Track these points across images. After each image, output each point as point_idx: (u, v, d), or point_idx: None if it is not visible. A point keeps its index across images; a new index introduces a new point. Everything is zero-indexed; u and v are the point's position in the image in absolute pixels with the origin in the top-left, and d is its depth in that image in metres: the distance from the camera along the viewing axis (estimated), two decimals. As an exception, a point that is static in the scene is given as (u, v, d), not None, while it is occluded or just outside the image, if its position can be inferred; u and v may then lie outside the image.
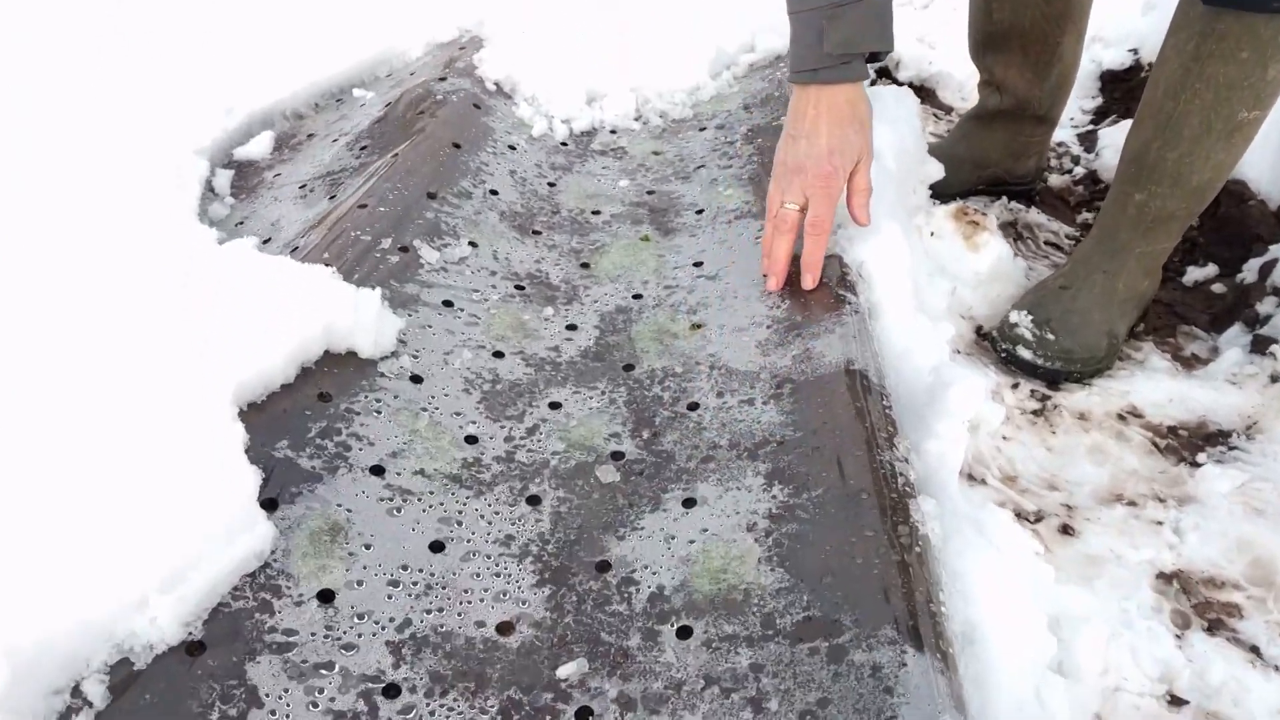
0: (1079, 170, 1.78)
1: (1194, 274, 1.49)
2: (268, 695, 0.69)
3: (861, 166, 1.08)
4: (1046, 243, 1.60)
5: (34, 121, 1.27)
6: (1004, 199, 1.67)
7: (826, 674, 0.70)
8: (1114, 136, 1.77)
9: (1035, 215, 1.65)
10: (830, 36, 1.02)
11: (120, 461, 0.73)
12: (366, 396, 0.94)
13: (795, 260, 1.11)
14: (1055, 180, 1.76)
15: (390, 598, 0.78)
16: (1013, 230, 1.61)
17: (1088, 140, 1.87)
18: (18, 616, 0.63)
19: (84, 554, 0.68)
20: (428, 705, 0.71)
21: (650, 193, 1.40)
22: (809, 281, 1.09)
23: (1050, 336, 1.26)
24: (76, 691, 0.65)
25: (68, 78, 1.39)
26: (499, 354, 1.07)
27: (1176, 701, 0.86)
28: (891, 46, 1.06)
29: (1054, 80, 1.49)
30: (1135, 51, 1.97)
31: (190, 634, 0.70)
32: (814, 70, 1.05)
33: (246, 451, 0.81)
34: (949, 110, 2.04)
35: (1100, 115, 1.97)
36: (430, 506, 0.87)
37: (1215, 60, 1.09)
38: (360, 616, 0.76)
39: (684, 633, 0.76)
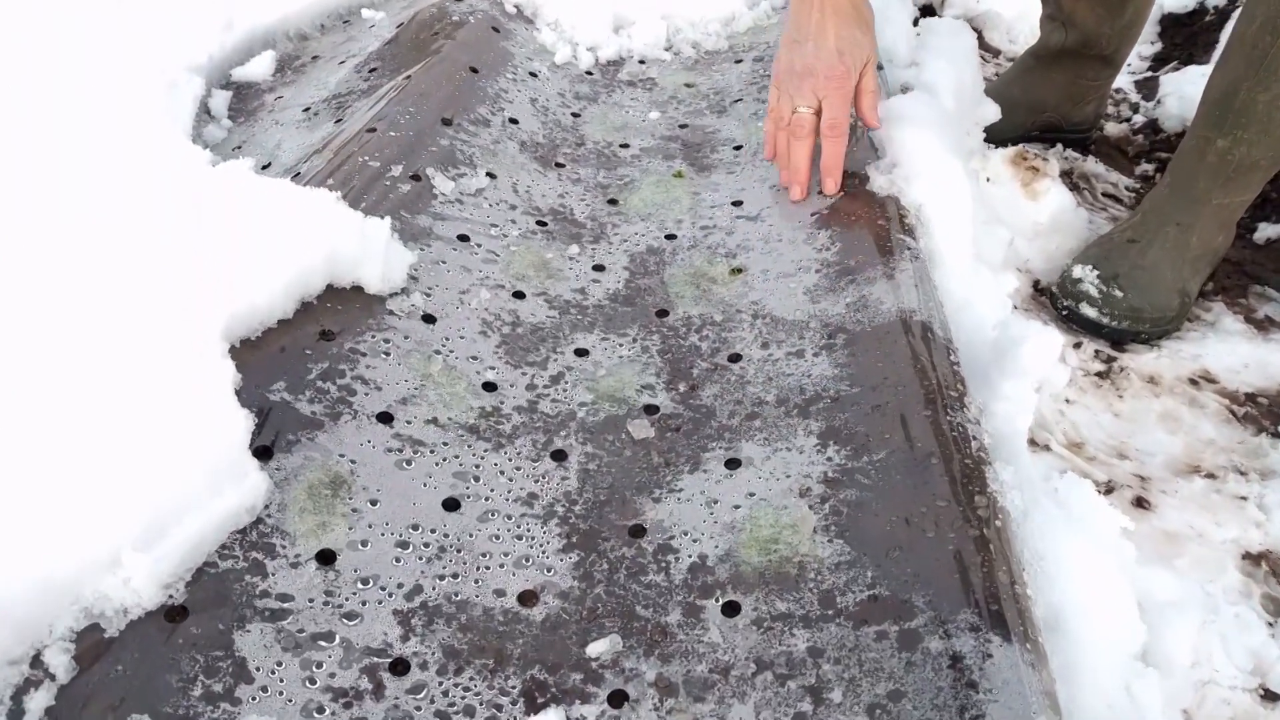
0: (1138, 119, 1.66)
1: (1266, 231, 1.38)
2: (258, 669, 0.60)
3: (869, 68, 1.03)
4: (1104, 194, 1.49)
5: (15, 30, 1.16)
6: (1059, 146, 1.55)
7: (898, 662, 0.61)
8: (1177, 83, 1.65)
9: (1092, 165, 1.54)
10: None
11: (91, 399, 0.64)
12: (374, 336, 0.84)
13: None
14: (1113, 129, 1.64)
15: (398, 561, 0.69)
16: (1068, 180, 1.50)
17: (1146, 87, 1.75)
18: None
19: (46, 502, 0.58)
20: (440, 684, 0.62)
21: (683, 126, 1.29)
22: (830, 186, 1.05)
23: (1117, 293, 1.16)
24: (36, 662, 0.56)
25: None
26: (519, 294, 0.97)
27: (1271, 696, 0.78)
28: None
29: (1127, 17, 1.37)
30: (1200, -7, 1.84)
31: (170, 597, 0.61)
32: None
33: (238, 393, 0.71)
34: (996, 52, 1.91)
35: (1160, 61, 1.84)
36: (444, 459, 0.77)
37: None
38: (364, 581, 0.67)
39: (731, 609, 0.67)
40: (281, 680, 0.60)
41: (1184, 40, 1.82)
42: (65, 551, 0.58)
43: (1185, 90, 1.61)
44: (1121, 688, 0.67)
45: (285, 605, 0.64)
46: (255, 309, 0.78)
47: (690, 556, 0.72)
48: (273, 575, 0.65)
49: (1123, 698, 0.67)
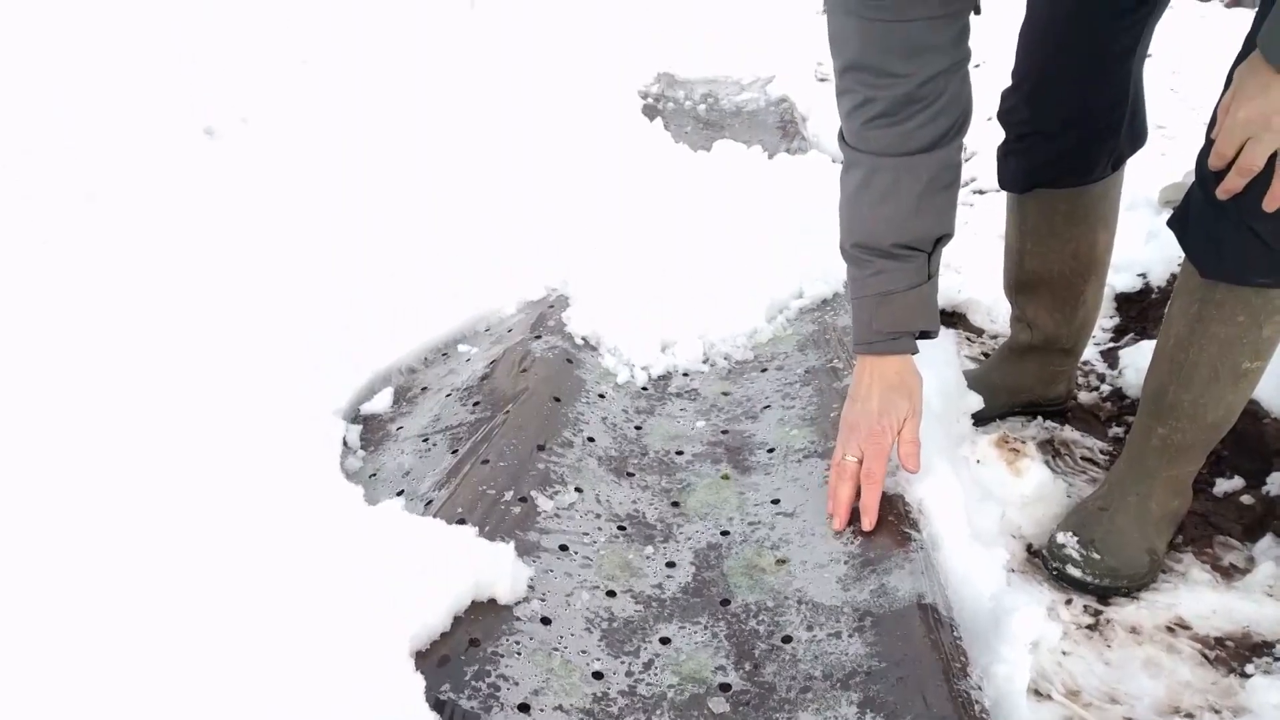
0: (1105, 387, 1.96)
1: (1223, 485, 1.63)
2: None
3: (910, 424, 1.25)
4: (1083, 457, 1.76)
5: (201, 393, 1.51)
6: (1039, 419, 1.85)
7: None
8: (1133, 356, 1.96)
9: (1070, 432, 1.82)
10: (881, 318, 1.24)
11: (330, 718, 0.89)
12: (507, 639, 1.10)
13: (857, 504, 1.28)
14: (1085, 397, 1.94)
15: (548, 827, 0.91)
16: (1050, 447, 1.78)
17: (1110, 358, 2.06)
18: None
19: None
20: None
21: (724, 432, 1.60)
22: (867, 524, 1.25)
23: (1096, 555, 1.40)
24: None
25: (225, 355, 1.64)
26: (611, 593, 1.23)
27: None
28: (937, 327, 1.27)
29: (1079, 321, 1.71)
30: (1144, 276, 2.19)
31: None
32: (869, 344, 1.26)
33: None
34: (980, 332, 2.25)
35: (1119, 333, 2.17)
36: (571, 740, 1.01)
37: (1215, 322, 1.28)
38: (525, 845, 0.89)
39: None
40: None
41: (1137, 314, 2.16)
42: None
43: (1140, 363, 1.92)
44: None
45: None
46: (428, 628, 1.04)
47: (768, 812, 0.93)
48: (459, 843, 0.87)
49: None
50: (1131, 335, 2.12)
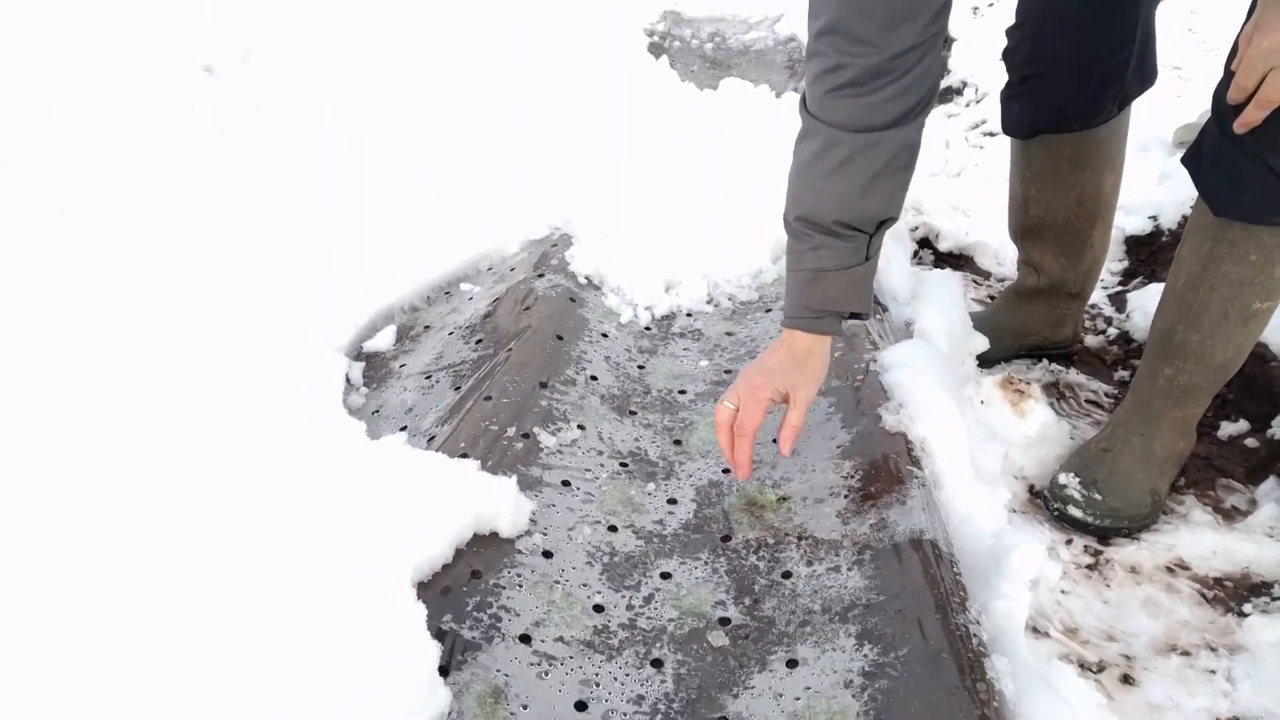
0: (1112, 331, 1.94)
1: (1228, 429, 1.62)
2: (459, 839, 0.83)
3: (797, 401, 1.21)
4: (1087, 400, 1.75)
5: (211, 330, 1.50)
6: (1045, 361, 1.84)
7: (926, 816, 0.83)
8: (1141, 299, 1.94)
9: (1075, 375, 1.81)
10: (812, 294, 1.20)
11: (333, 644, 0.90)
12: (509, 572, 1.11)
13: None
14: (1091, 340, 1.93)
15: (548, 753, 0.92)
16: (1055, 390, 1.77)
17: (1118, 301, 2.04)
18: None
19: (317, 720, 0.84)
20: (590, 847, 0.85)
21: (728, 371, 1.59)
22: (740, 475, 1.22)
23: (1097, 496, 1.40)
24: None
25: (227, 295, 1.63)
26: (613, 528, 1.23)
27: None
28: (868, 311, 1.23)
29: (1085, 265, 1.69)
30: (1155, 218, 2.16)
31: (393, 786, 0.85)
32: (795, 318, 1.23)
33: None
34: (987, 275, 2.23)
35: (1128, 276, 2.14)
36: (571, 670, 1.02)
37: (1227, 261, 1.26)
38: (526, 769, 0.90)
39: (799, 781, 0.90)
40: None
41: (1146, 257, 2.14)
42: (329, 754, 0.83)
43: (1148, 306, 1.90)
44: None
45: (472, 789, 0.87)
46: (430, 560, 1.05)
47: (765, 740, 0.94)
48: (460, 767, 0.89)
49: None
50: (1140, 278, 2.10)
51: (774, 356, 1.24)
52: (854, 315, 1.24)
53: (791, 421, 1.22)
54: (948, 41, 3.34)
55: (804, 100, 1.17)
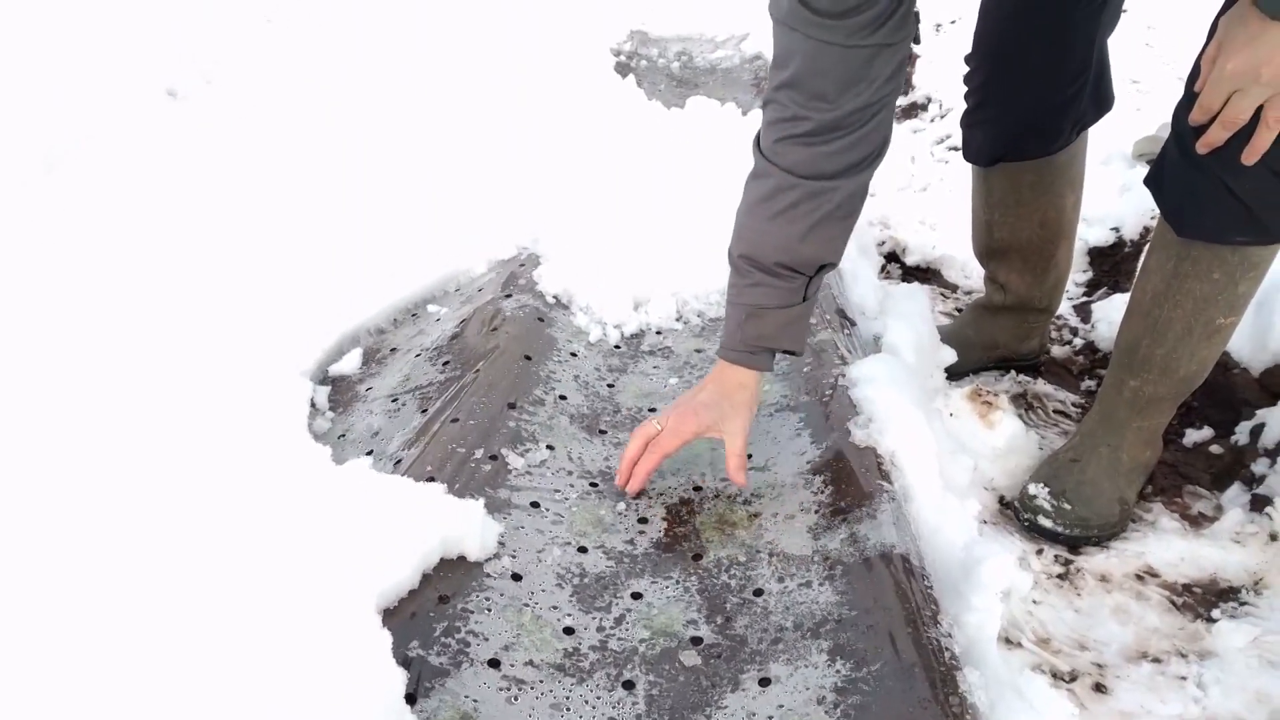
0: (1078, 341, 1.96)
1: (1193, 436, 1.64)
2: None
3: (729, 433, 1.26)
4: (1055, 410, 1.77)
5: (169, 354, 1.48)
6: (1012, 373, 1.85)
7: (900, 834, 0.82)
8: (1105, 310, 1.97)
9: (1042, 386, 1.83)
10: (748, 329, 1.24)
11: (294, 675, 0.88)
12: (477, 596, 1.09)
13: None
14: (1058, 351, 1.94)
15: (518, 780, 0.91)
16: (1023, 401, 1.78)
17: (1083, 312, 2.07)
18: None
19: (279, 753, 0.82)
20: None
21: (698, 389, 1.58)
22: (629, 485, 1.29)
23: (1067, 506, 1.41)
24: None
25: (186, 314, 1.61)
26: (583, 549, 1.22)
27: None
28: (801, 349, 1.28)
29: (1051, 282, 1.71)
30: (1117, 230, 2.19)
31: (358, 820, 0.83)
32: (730, 349, 1.27)
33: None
34: (954, 288, 2.25)
35: (1092, 287, 2.17)
36: (541, 694, 1.00)
37: (1191, 279, 1.28)
38: (495, 798, 0.89)
39: (773, 801, 0.88)
40: None
41: (1110, 268, 2.16)
42: (291, 788, 0.81)
43: (1113, 316, 1.92)
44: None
45: (440, 820, 0.85)
46: (395, 586, 1.03)
47: (738, 760, 0.93)
48: (428, 797, 0.87)
49: None
50: (1105, 289, 2.13)
51: (704, 392, 1.29)
52: (788, 352, 1.28)
53: (733, 450, 1.26)
54: (912, 58, 3.38)
55: (758, 140, 1.20)
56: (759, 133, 1.20)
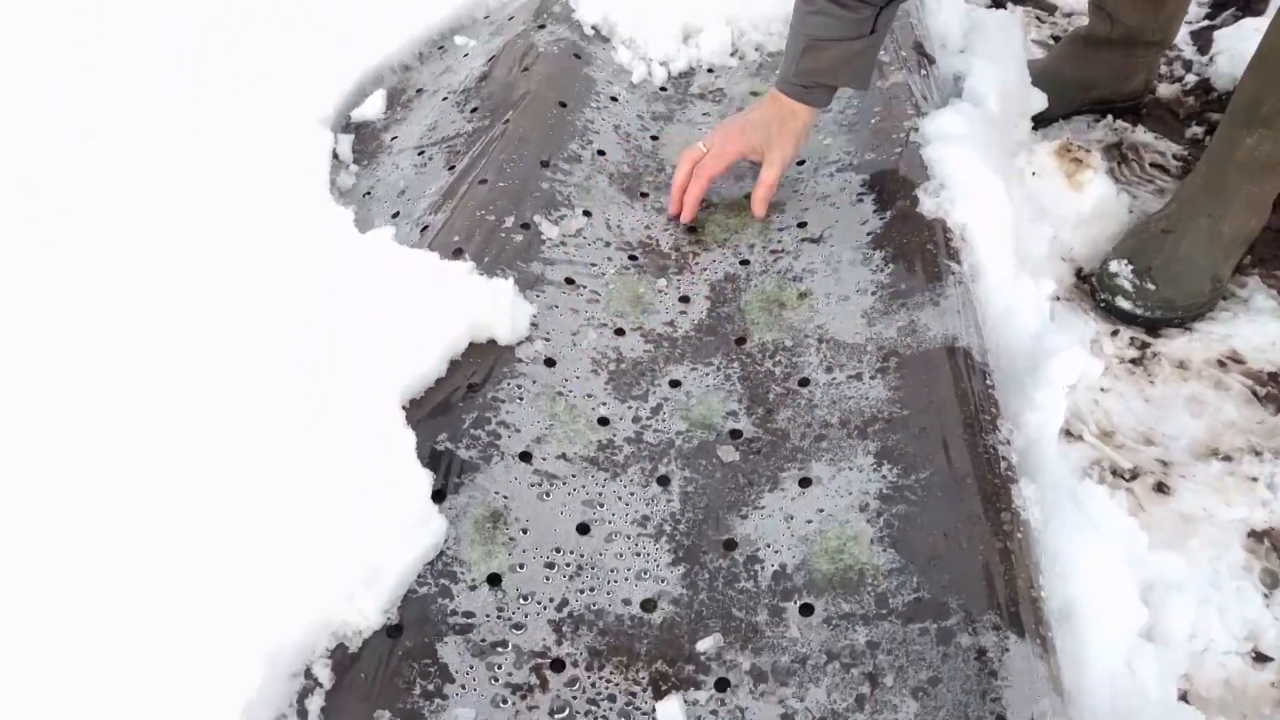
0: (1191, 78, 1.72)
1: (1306, 197, 1.46)
2: (457, 671, 0.82)
3: (771, 161, 1.23)
4: (1152, 164, 1.58)
5: (172, 105, 1.36)
6: (1109, 118, 1.64)
7: (936, 654, 0.80)
8: (1230, 39, 1.70)
9: (1141, 134, 1.62)
10: (805, 62, 1.16)
11: (316, 476, 0.85)
12: (509, 383, 1.04)
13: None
14: (1164, 90, 1.71)
15: (548, 579, 0.90)
16: (1117, 152, 1.59)
17: (1201, 38, 1.80)
18: (265, 621, 0.76)
19: (304, 563, 0.81)
20: (589, 678, 0.84)
21: (752, 142, 1.42)
22: (683, 215, 1.28)
23: (1150, 286, 1.28)
24: (309, 674, 0.79)
25: (182, 66, 1.46)
26: (620, 331, 1.15)
27: (1261, 658, 0.94)
28: (866, 86, 1.22)
29: (1169, 9, 1.44)
30: (1259, -63, 1.85)
31: (389, 619, 0.83)
32: (787, 82, 1.20)
33: (415, 450, 0.92)
34: (1052, 9, 1.96)
35: (1217, 8, 1.87)
36: (574, 490, 0.97)
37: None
38: (525, 598, 0.88)
39: (806, 610, 0.86)
40: (475, 680, 0.82)
41: (1243, -13, 1.85)
42: (319, 595, 0.80)
43: (1238, 47, 1.66)
44: (1123, 664, 0.85)
45: (469, 620, 0.85)
46: (419, 376, 0.98)
47: (773, 565, 0.91)
48: (457, 596, 0.87)
49: (1124, 671, 0.85)
50: (1232, 11, 1.83)
51: (756, 111, 1.24)
52: (852, 87, 1.22)
53: (764, 179, 1.24)
54: None
55: None
56: None
